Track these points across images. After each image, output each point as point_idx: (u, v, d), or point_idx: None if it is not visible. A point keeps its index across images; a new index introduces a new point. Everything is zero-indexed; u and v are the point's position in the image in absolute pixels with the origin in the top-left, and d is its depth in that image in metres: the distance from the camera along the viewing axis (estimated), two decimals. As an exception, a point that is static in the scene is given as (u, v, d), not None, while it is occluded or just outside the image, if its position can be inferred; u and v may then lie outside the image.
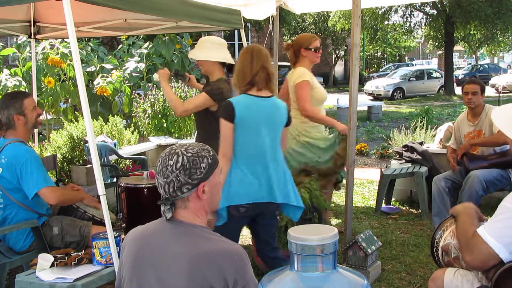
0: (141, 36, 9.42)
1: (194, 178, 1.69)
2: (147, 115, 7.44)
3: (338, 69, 35.52)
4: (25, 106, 3.28)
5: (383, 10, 23.68)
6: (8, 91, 6.63)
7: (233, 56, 3.61)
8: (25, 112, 3.28)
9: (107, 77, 7.67)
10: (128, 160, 6.04)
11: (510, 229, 1.82)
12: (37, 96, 6.37)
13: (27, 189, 3.13)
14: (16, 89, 6.64)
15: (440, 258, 2.39)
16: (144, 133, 7.46)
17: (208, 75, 3.65)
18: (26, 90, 6.73)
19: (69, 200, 3.33)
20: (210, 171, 1.73)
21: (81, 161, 5.78)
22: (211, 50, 3.57)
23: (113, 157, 5.75)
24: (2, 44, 8.57)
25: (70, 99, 7.60)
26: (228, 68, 3.65)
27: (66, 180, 5.48)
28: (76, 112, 7.67)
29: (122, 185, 3.84)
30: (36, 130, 5.45)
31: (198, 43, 3.65)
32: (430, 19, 24.67)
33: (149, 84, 8.39)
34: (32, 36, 5.26)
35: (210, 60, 3.57)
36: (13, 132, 3.28)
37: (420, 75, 25.25)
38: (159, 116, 7.29)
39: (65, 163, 5.75)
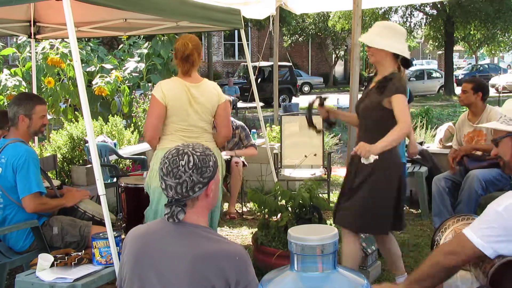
0: (142, 36, 9.40)
1: (205, 177, 1.70)
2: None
3: (338, 69, 35.49)
4: (35, 111, 3.28)
5: (383, 10, 23.65)
6: (8, 91, 6.64)
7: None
8: (32, 116, 3.28)
9: (106, 77, 7.66)
10: (128, 160, 6.03)
11: (493, 229, 1.86)
12: (37, 96, 6.36)
13: (19, 191, 3.14)
14: (16, 89, 6.64)
15: (440, 258, 2.39)
16: (144, 133, 7.44)
17: (378, 67, 3.16)
18: (26, 90, 6.72)
19: (48, 210, 3.31)
20: (215, 169, 1.75)
21: (81, 161, 5.77)
22: (390, 38, 3.04)
23: (113, 157, 5.75)
24: (2, 44, 8.57)
25: (70, 99, 7.59)
26: (403, 62, 3.12)
27: (66, 180, 5.48)
28: (76, 112, 7.65)
29: (122, 185, 3.84)
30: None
31: (376, 28, 3.13)
32: (430, 19, 24.67)
33: (149, 84, 8.38)
34: (32, 36, 5.25)
35: (386, 50, 3.05)
36: (14, 131, 3.29)
37: (420, 75, 25.22)
38: (159, 116, 7.26)
39: (65, 163, 5.74)
